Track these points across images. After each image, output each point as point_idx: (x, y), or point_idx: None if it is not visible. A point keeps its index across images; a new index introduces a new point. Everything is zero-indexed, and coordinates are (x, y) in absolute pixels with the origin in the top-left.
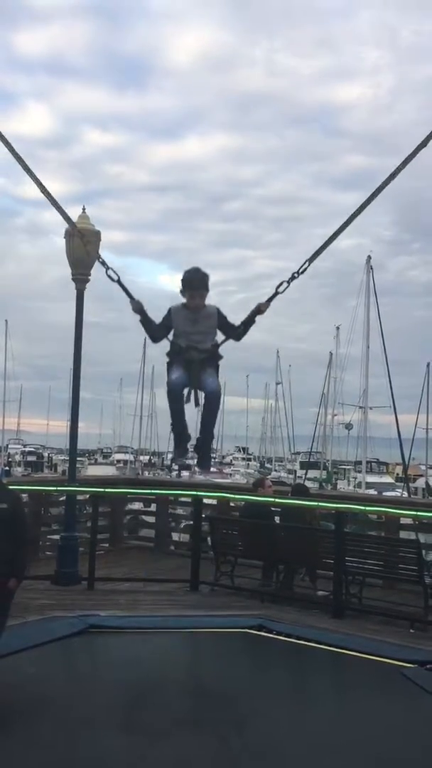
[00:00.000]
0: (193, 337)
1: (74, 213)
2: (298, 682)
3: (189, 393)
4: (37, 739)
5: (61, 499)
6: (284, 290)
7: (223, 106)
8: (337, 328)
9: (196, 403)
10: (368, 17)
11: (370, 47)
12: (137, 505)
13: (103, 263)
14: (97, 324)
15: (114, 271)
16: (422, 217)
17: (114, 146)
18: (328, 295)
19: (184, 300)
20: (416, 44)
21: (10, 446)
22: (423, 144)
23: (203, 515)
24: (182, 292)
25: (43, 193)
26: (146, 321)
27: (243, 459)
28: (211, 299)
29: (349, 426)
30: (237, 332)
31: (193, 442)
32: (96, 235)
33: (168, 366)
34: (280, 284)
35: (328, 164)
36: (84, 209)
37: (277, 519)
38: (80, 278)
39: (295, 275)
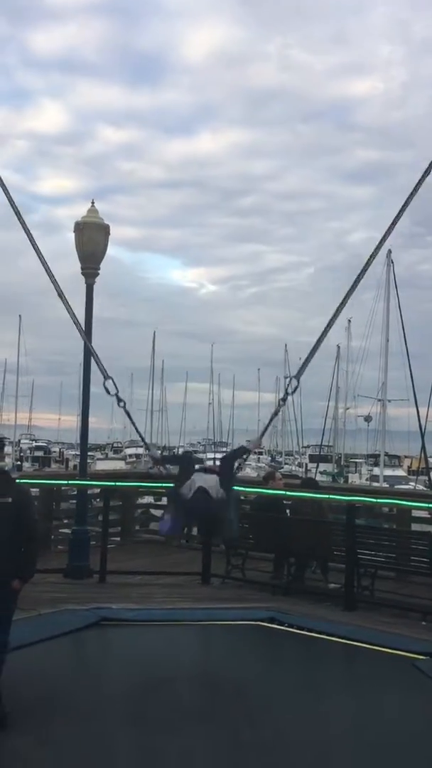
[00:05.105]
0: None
1: (85, 208)
2: (309, 674)
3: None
4: (49, 731)
5: (72, 493)
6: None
7: (237, 102)
8: (349, 320)
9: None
10: (381, 12)
11: (383, 42)
12: (147, 499)
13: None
14: (108, 319)
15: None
16: None
17: (127, 143)
18: (340, 289)
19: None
20: (429, 38)
21: (22, 441)
22: None
23: None
24: None
25: None
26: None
27: (254, 453)
28: (224, 294)
29: (368, 418)
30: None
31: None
32: (105, 229)
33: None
34: (275, 411)
35: (341, 158)
36: (93, 203)
37: (288, 512)
38: (90, 272)
39: (282, 402)
